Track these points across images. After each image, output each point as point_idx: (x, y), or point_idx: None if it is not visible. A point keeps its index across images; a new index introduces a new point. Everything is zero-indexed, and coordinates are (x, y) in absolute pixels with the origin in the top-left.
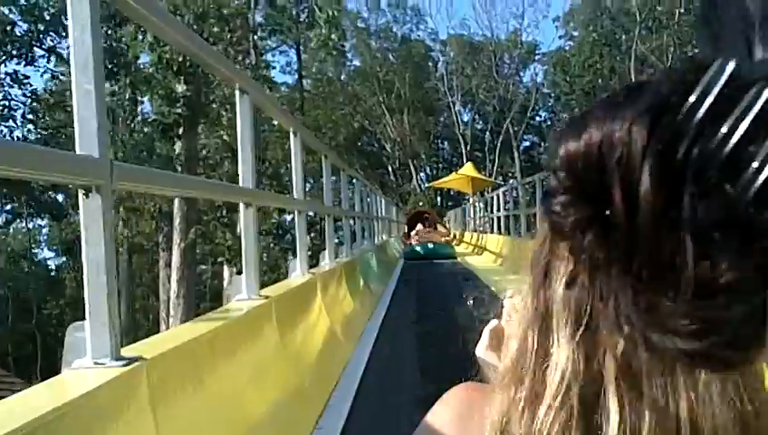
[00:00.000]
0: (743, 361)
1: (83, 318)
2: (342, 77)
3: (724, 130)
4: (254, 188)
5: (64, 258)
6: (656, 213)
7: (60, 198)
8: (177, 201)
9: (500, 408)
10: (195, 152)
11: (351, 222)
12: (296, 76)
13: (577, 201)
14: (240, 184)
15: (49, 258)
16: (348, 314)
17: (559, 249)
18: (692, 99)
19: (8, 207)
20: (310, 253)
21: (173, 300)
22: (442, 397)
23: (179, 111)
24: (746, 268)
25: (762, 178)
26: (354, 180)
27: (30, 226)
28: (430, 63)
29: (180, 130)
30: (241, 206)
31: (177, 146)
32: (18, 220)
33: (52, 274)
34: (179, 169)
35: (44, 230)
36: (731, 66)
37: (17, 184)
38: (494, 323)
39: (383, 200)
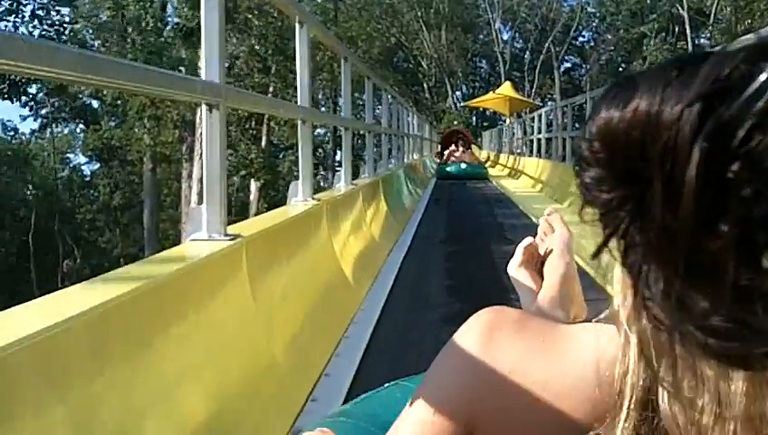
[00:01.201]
0: None
1: (117, 224)
2: None
3: None
4: (222, 84)
5: (98, 165)
6: (699, 206)
7: (95, 103)
8: (199, 110)
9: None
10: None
11: (377, 139)
12: None
13: (611, 178)
14: (202, 77)
15: (83, 163)
16: (381, 226)
17: None
18: (755, 84)
19: (43, 111)
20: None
21: (189, 207)
22: (468, 320)
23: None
24: None
25: None
26: (382, 91)
27: (66, 130)
28: None
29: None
30: (203, 110)
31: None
32: (54, 125)
33: (86, 179)
34: (203, 76)
35: (80, 136)
36: None
37: (52, 88)
38: (528, 240)
39: (415, 116)
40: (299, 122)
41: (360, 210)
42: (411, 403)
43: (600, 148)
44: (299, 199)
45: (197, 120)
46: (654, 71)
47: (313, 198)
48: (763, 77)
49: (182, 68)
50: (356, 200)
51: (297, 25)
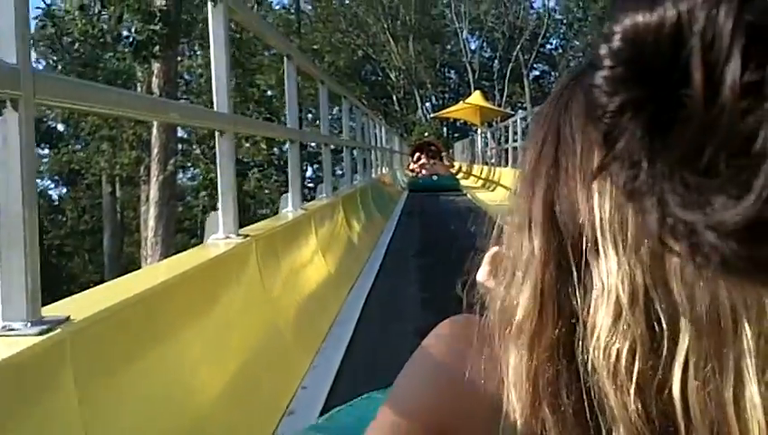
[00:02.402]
0: None
1: (84, 249)
2: (346, 1)
3: None
4: (229, 114)
5: (65, 189)
6: (742, 98)
7: (60, 127)
8: (155, 129)
9: (520, 365)
10: (174, 75)
11: (349, 152)
12: None
13: (634, 78)
14: (215, 108)
15: (50, 188)
16: (345, 248)
17: (581, 139)
18: None
19: None
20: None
21: (150, 238)
22: (437, 327)
23: (154, 27)
24: None
25: None
26: (352, 107)
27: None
28: None
29: (156, 49)
30: (216, 134)
31: (155, 67)
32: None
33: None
34: (156, 93)
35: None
36: None
37: None
38: (494, 249)
39: (383, 128)
40: (288, 142)
41: (311, 241)
42: (380, 414)
43: (623, 45)
44: (219, 236)
45: (153, 140)
46: None
47: (240, 234)
48: None
49: (119, 81)
50: (337, 209)
51: (285, 58)
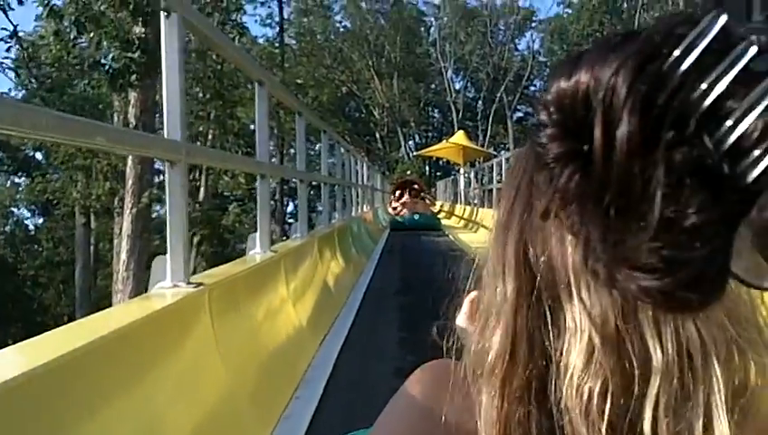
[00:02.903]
0: (700, 304)
1: (58, 280)
2: (331, 37)
3: (705, 83)
4: (182, 141)
5: (41, 219)
6: (632, 152)
7: (38, 156)
8: (130, 159)
9: (491, 406)
10: (151, 105)
11: (328, 189)
12: (277, 29)
13: (562, 135)
14: (165, 136)
15: (27, 218)
16: (320, 293)
17: (539, 183)
18: (679, 49)
19: None
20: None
21: (121, 272)
22: (415, 372)
23: (132, 55)
24: (712, 214)
25: (736, 133)
26: (334, 143)
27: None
28: (422, 28)
29: (133, 78)
30: (166, 166)
31: (132, 97)
32: None
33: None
34: (132, 123)
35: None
36: (722, 21)
37: None
38: (474, 293)
39: (365, 165)
40: (258, 177)
41: (280, 287)
42: None
43: (554, 111)
44: (166, 284)
45: (128, 171)
46: (598, 41)
47: (191, 283)
48: (690, 38)
49: (86, 105)
50: (311, 250)
51: (257, 84)
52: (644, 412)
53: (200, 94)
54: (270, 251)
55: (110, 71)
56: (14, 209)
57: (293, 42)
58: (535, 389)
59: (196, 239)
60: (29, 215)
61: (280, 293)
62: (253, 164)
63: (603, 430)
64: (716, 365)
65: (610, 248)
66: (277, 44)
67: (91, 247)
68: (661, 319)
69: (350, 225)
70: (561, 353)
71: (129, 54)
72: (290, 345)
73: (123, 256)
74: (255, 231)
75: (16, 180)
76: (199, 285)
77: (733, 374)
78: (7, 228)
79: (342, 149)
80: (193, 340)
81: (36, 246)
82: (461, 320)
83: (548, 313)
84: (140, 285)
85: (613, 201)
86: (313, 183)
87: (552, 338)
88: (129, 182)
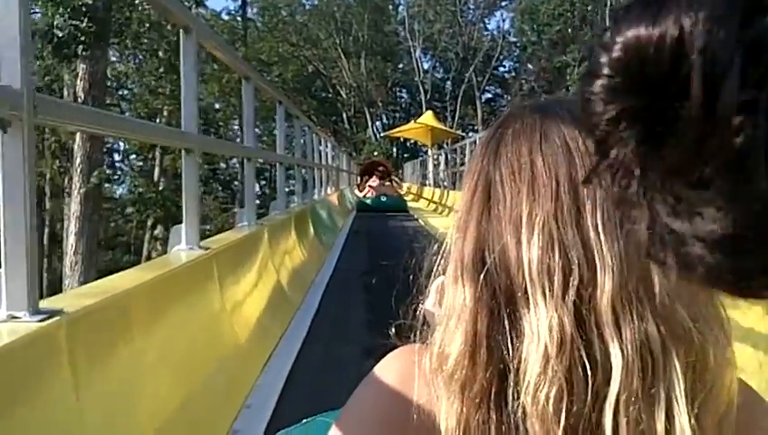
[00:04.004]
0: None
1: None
2: (297, 17)
3: None
4: (197, 134)
5: None
6: (732, 111)
7: None
8: (78, 137)
9: (451, 410)
10: (102, 79)
11: (299, 171)
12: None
13: (632, 88)
14: (182, 129)
15: None
16: (297, 264)
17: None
18: None
19: None
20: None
21: (70, 256)
22: (385, 358)
23: (78, 22)
24: None
25: None
26: (305, 127)
27: None
28: (390, 6)
29: (80, 49)
30: (183, 152)
31: (80, 69)
32: None
33: None
34: (81, 98)
35: None
36: None
37: None
38: (440, 279)
39: (329, 144)
40: (182, 151)
41: (265, 256)
42: None
43: (623, 56)
44: (182, 247)
45: (75, 148)
46: None
47: (201, 247)
48: None
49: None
50: (260, 244)
51: (182, 32)
52: (604, 414)
53: (158, 69)
54: (256, 223)
55: (53, 40)
56: None
57: (258, 17)
58: (494, 394)
59: (149, 222)
60: None
61: (264, 258)
62: (244, 150)
63: (559, 434)
64: (676, 361)
65: (686, 224)
66: (240, 18)
67: (46, 229)
68: (621, 319)
69: (319, 204)
70: (520, 360)
71: (76, 22)
72: (273, 304)
73: (71, 239)
74: (230, 208)
75: None
76: (208, 248)
77: (692, 367)
78: None
79: (305, 126)
80: (204, 290)
81: None
82: (429, 305)
83: (506, 319)
84: (90, 269)
85: (702, 173)
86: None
87: (510, 344)
88: (77, 161)
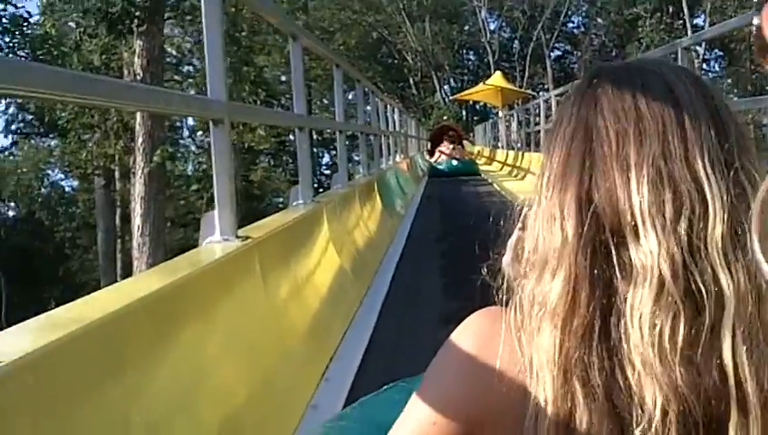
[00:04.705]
0: None
1: (94, 243)
2: None
3: None
4: (225, 101)
5: (77, 182)
6: None
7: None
8: (139, 116)
9: (552, 345)
10: (159, 55)
11: (365, 139)
12: None
13: None
14: (208, 95)
15: (62, 180)
16: (363, 241)
17: None
18: None
19: (13, 126)
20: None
21: (136, 238)
22: (465, 321)
23: None
24: None
25: None
26: (368, 92)
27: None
28: None
29: (134, 25)
30: (211, 126)
31: (137, 45)
32: (28, 140)
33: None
34: (140, 75)
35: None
36: None
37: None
38: (516, 235)
39: (401, 113)
40: (296, 130)
41: (324, 235)
42: (410, 406)
43: None
44: (215, 239)
45: (137, 127)
46: None
47: (238, 236)
48: None
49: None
50: (353, 199)
51: (290, 39)
52: (722, 341)
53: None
54: (312, 201)
55: (107, 16)
56: (50, 172)
57: None
58: (597, 328)
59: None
60: (63, 177)
61: (323, 242)
62: (292, 118)
63: (677, 362)
64: None
65: None
66: None
67: (118, 210)
68: (730, 250)
69: (388, 173)
70: (626, 294)
71: None
72: (338, 291)
73: (138, 220)
74: (296, 184)
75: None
76: (247, 238)
77: None
78: (43, 190)
79: (377, 99)
80: (244, 291)
81: (74, 208)
82: (506, 262)
83: (613, 253)
84: (158, 250)
85: None
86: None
87: (615, 279)
88: (140, 140)
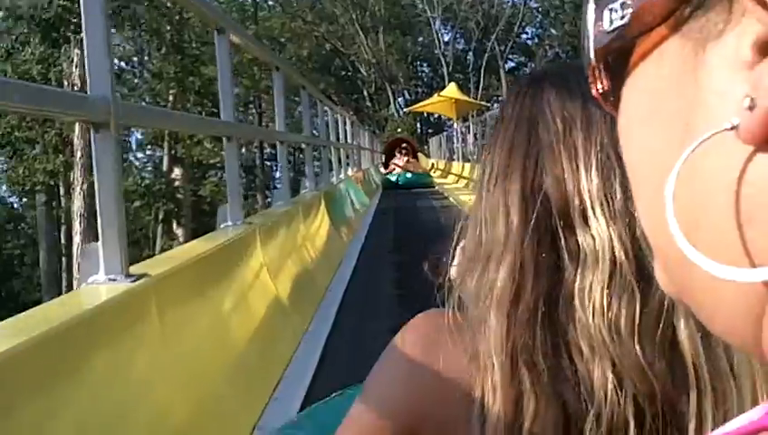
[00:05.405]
0: None
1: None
2: None
3: None
4: (235, 122)
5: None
6: None
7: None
8: (77, 128)
9: (500, 331)
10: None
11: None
12: None
13: None
14: (221, 117)
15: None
16: (327, 241)
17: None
18: None
19: None
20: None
21: (76, 258)
22: (408, 322)
23: (66, 2)
24: None
25: None
26: (316, 101)
27: None
28: None
29: (70, 32)
30: (225, 140)
31: (75, 54)
32: None
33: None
34: (77, 86)
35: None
36: None
37: None
38: (463, 242)
39: (348, 120)
40: (224, 140)
41: (300, 232)
42: (352, 412)
43: None
44: (228, 224)
45: (75, 141)
46: None
47: (245, 222)
48: None
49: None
50: (296, 220)
51: (215, 33)
52: (677, 319)
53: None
54: (244, 222)
55: (39, 22)
56: None
57: None
58: (542, 312)
59: (160, 216)
60: (10, 193)
61: (253, 271)
62: (214, 125)
63: (635, 341)
64: None
65: None
66: None
67: (62, 227)
68: None
69: (339, 187)
70: (575, 276)
71: (64, 2)
72: (269, 331)
73: (77, 238)
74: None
75: None
76: (142, 277)
77: None
78: None
79: (326, 108)
80: (135, 342)
81: (21, 225)
82: (455, 270)
83: (561, 238)
84: None
85: None
86: (301, 145)
87: (563, 262)
88: (78, 154)
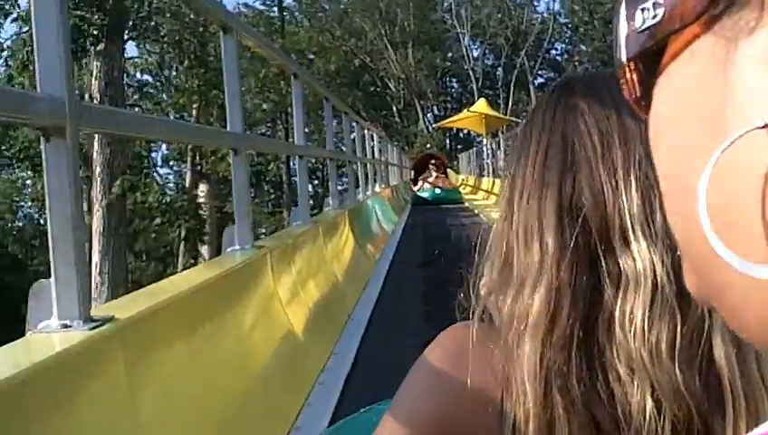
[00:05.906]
0: None
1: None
2: (337, 5)
3: None
4: (242, 133)
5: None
6: None
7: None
8: (96, 142)
9: (534, 357)
10: (119, 76)
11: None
12: None
13: None
14: (228, 129)
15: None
16: (351, 262)
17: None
18: None
19: None
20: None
21: (95, 277)
22: (437, 337)
23: (85, 13)
24: None
25: None
26: (341, 114)
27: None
28: None
29: (88, 44)
30: (231, 153)
31: (94, 66)
32: None
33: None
34: (96, 99)
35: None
36: None
37: None
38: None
39: (379, 138)
40: (231, 152)
41: (321, 253)
42: (382, 426)
43: None
44: (235, 248)
45: (94, 156)
46: None
47: (255, 246)
48: None
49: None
50: (316, 241)
51: (221, 32)
52: (714, 342)
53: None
54: (254, 247)
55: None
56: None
57: (294, 6)
58: (578, 338)
59: (182, 233)
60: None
61: (262, 300)
62: (222, 136)
63: (675, 367)
64: None
65: None
66: (275, 8)
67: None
68: None
69: (366, 204)
70: (616, 299)
71: (81, 13)
72: (289, 360)
73: (95, 257)
74: (274, 214)
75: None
76: (106, 321)
77: None
78: (18, 223)
79: (353, 121)
80: (260, 289)
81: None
82: (483, 285)
83: (601, 260)
84: (119, 290)
85: None
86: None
87: (603, 285)
88: (97, 170)
